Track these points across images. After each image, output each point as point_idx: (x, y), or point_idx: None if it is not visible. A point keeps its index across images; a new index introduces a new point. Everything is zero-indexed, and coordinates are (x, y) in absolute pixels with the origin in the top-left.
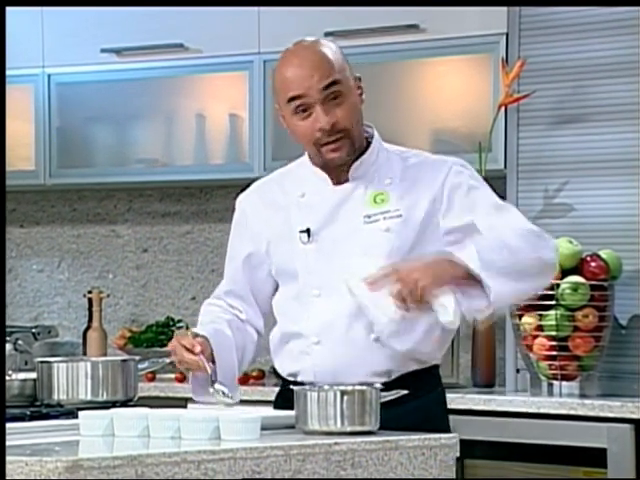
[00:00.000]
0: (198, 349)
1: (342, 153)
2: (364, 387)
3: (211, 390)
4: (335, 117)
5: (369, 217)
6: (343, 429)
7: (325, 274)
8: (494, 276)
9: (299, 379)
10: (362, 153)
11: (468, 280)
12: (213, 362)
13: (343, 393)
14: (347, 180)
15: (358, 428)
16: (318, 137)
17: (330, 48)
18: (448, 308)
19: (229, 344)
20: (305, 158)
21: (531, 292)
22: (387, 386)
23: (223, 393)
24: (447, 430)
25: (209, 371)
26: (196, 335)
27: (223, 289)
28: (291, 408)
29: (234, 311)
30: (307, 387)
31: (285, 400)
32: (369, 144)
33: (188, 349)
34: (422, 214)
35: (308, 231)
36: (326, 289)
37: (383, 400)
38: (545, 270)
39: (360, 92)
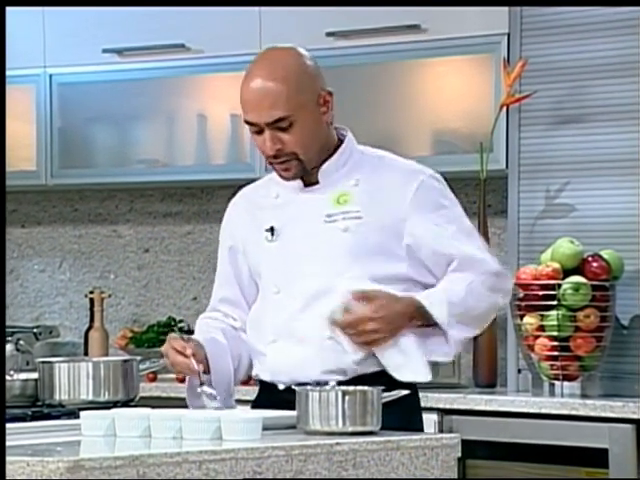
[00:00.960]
0: (189, 351)
1: (290, 173)
2: (366, 387)
3: (198, 390)
4: (281, 143)
5: (329, 217)
6: (344, 429)
7: (284, 272)
8: (457, 327)
9: (262, 379)
10: (331, 155)
11: (431, 326)
12: (208, 369)
13: (345, 393)
14: (317, 182)
15: (359, 428)
16: (266, 156)
17: (289, 71)
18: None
19: (223, 351)
20: None
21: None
22: (344, 385)
23: (211, 395)
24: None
25: (199, 372)
26: (189, 339)
27: (217, 297)
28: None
29: (228, 320)
30: (309, 387)
31: (258, 407)
32: (339, 146)
33: (179, 351)
34: (384, 218)
35: (272, 229)
36: (284, 286)
37: (384, 401)
38: (494, 314)
39: (325, 109)
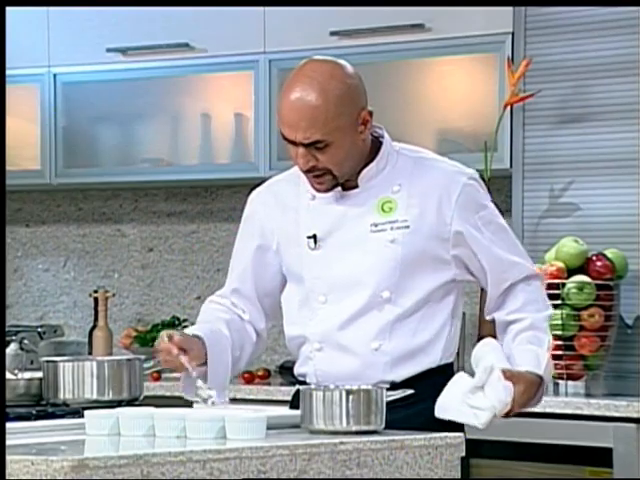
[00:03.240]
0: (175, 352)
1: (323, 187)
2: (369, 387)
3: (198, 384)
4: (314, 161)
5: (376, 226)
6: (349, 428)
7: (331, 281)
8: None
9: (307, 380)
10: (372, 159)
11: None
12: (206, 361)
13: (349, 393)
14: (356, 186)
15: (364, 427)
16: (299, 167)
17: (329, 94)
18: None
19: (224, 344)
20: None
21: None
22: (391, 389)
23: (209, 397)
24: (459, 429)
25: (190, 370)
26: (183, 333)
27: (229, 287)
28: None
29: (237, 310)
30: (312, 386)
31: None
32: (379, 149)
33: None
34: (431, 225)
35: (314, 237)
36: (332, 296)
37: (389, 399)
38: None
39: (363, 128)
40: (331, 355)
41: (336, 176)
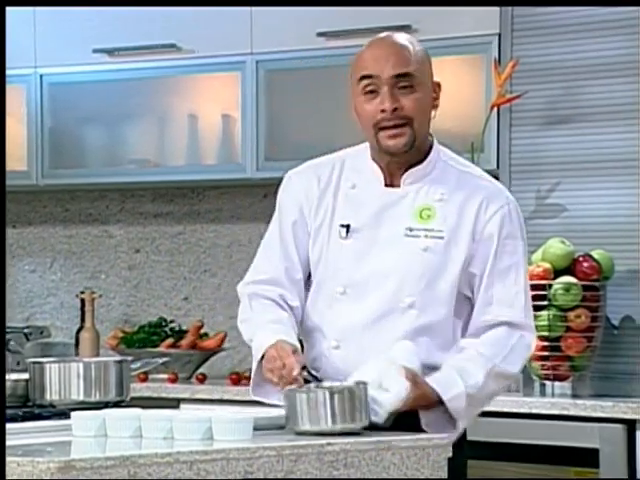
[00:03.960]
0: (296, 372)
1: (400, 141)
2: (352, 384)
3: (312, 385)
4: (399, 103)
5: (411, 230)
6: (334, 427)
7: (354, 274)
8: (469, 412)
9: (319, 376)
10: (420, 161)
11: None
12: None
13: (332, 392)
14: (399, 185)
15: (349, 425)
16: (379, 119)
17: (417, 46)
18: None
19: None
20: (364, 148)
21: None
22: None
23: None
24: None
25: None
26: (296, 351)
27: (268, 274)
28: None
29: (286, 302)
30: (295, 388)
31: None
32: (428, 153)
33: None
34: (463, 239)
35: (348, 227)
36: (352, 289)
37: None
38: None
39: (435, 96)
40: (348, 355)
41: (415, 130)
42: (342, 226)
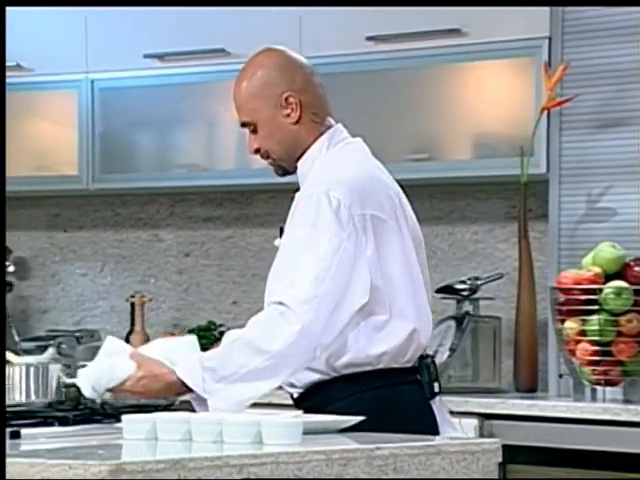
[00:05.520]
0: None
1: (279, 171)
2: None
3: None
4: (256, 143)
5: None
6: None
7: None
8: (219, 393)
9: None
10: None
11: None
12: None
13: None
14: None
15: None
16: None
17: (251, 78)
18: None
19: None
20: None
21: (272, 388)
22: (303, 397)
23: None
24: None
25: None
26: None
27: None
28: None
29: None
30: None
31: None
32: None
33: None
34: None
35: (281, 230)
36: None
37: (343, 426)
38: (285, 364)
39: (289, 111)
40: None
41: (277, 158)
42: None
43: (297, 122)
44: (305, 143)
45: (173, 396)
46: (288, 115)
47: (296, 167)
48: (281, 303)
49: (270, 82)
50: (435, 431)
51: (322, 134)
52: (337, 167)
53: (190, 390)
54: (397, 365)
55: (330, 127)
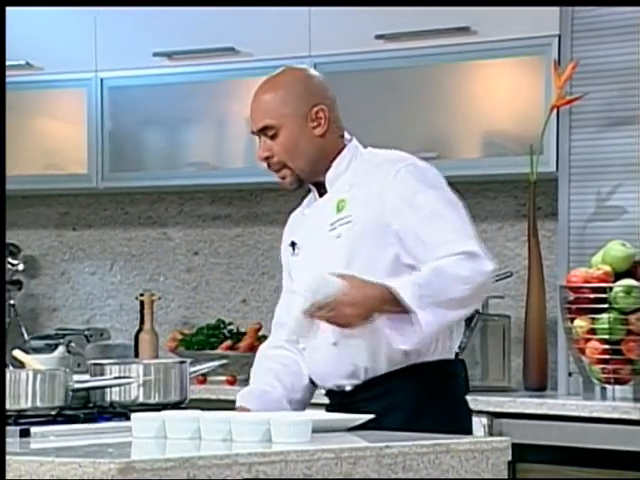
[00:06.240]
0: None
1: (285, 181)
2: None
3: None
4: (269, 151)
5: (332, 225)
6: None
7: (304, 280)
8: (429, 309)
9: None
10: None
11: (399, 312)
12: None
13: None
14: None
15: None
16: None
17: (279, 87)
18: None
19: (272, 402)
20: None
21: (460, 318)
22: (360, 388)
23: None
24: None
25: None
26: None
27: (274, 323)
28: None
29: (290, 348)
30: None
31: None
32: (337, 157)
33: None
34: (369, 214)
35: (293, 244)
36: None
37: (351, 425)
38: (475, 298)
39: (316, 124)
40: (308, 354)
41: (292, 169)
42: (289, 245)
43: (323, 135)
44: (330, 155)
45: (380, 305)
46: (314, 127)
47: (314, 178)
48: (469, 252)
49: (299, 92)
50: (470, 427)
51: (344, 147)
52: (383, 153)
53: (398, 305)
54: (450, 356)
55: (350, 140)
